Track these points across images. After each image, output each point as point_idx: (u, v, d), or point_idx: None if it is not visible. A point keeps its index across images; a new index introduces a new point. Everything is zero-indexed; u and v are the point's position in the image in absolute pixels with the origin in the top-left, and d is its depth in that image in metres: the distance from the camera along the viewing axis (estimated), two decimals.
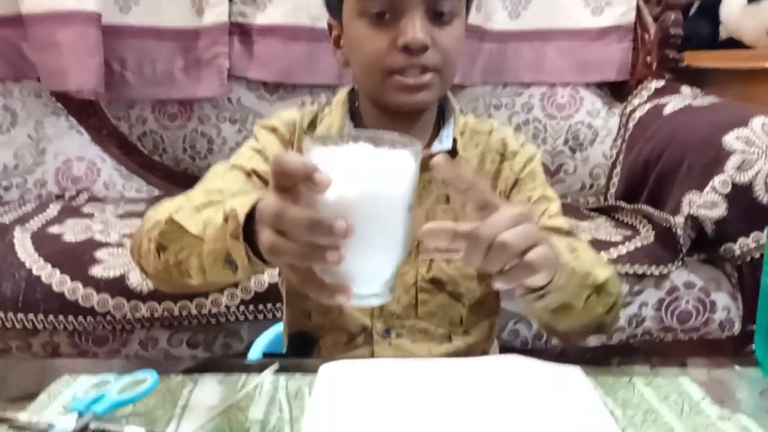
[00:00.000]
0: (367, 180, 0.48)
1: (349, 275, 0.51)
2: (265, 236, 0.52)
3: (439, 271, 0.85)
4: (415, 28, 0.76)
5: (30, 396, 0.63)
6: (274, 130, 0.87)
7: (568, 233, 0.83)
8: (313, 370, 0.67)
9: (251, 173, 0.82)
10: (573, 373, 0.70)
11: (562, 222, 0.84)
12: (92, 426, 0.56)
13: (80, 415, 0.57)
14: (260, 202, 0.54)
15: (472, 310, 0.86)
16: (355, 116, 0.88)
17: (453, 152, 0.85)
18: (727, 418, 0.61)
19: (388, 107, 0.83)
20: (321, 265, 0.51)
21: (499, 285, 0.59)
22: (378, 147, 0.50)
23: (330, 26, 0.88)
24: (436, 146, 0.84)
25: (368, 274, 0.52)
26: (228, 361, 0.75)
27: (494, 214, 0.57)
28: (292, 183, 0.49)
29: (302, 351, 0.89)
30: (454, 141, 0.84)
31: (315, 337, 0.88)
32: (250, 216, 0.57)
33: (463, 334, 0.87)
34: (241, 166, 0.82)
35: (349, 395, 0.61)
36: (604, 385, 0.66)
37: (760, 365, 0.75)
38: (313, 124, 0.88)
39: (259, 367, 0.69)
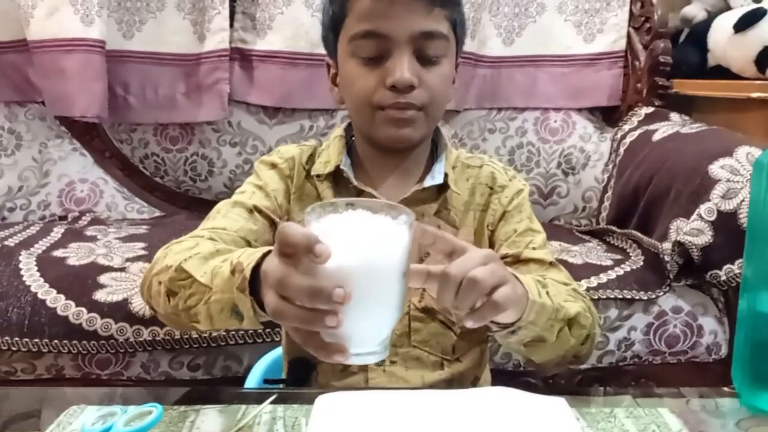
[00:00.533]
0: (366, 250, 0.52)
1: (347, 336, 0.55)
2: (270, 299, 0.56)
3: (431, 300, 0.88)
4: (403, 68, 0.80)
5: (28, 416, 0.66)
6: (274, 165, 0.91)
7: (551, 265, 0.86)
8: (311, 399, 0.70)
9: (253, 210, 0.86)
10: (557, 404, 0.73)
11: (545, 254, 0.87)
12: None
13: None
14: (265, 263, 0.58)
15: (463, 337, 0.89)
16: (351, 152, 0.92)
17: (444, 186, 0.89)
18: None
19: (378, 142, 0.87)
20: (321, 329, 0.54)
21: (470, 324, 0.62)
22: (375, 214, 0.54)
23: (328, 65, 0.92)
24: (428, 181, 0.88)
25: (365, 335, 0.56)
26: (227, 390, 0.79)
27: (463, 255, 0.62)
28: (295, 252, 0.53)
29: (301, 377, 0.92)
30: (446, 176, 0.88)
31: (313, 363, 0.91)
32: (256, 269, 0.61)
33: (455, 361, 0.90)
34: (243, 203, 0.87)
35: (345, 427, 0.65)
36: (587, 416, 0.70)
37: (738, 395, 0.78)
38: (311, 159, 0.92)
39: (257, 397, 0.73)
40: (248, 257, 0.63)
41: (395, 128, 0.84)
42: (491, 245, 0.91)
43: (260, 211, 0.86)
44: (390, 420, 0.66)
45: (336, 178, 0.89)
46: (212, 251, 0.72)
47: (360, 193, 0.88)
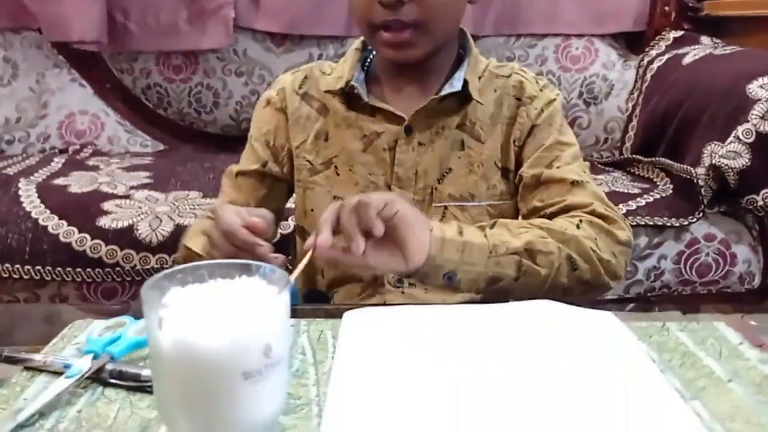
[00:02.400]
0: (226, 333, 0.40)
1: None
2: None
3: (453, 219, 0.82)
4: None
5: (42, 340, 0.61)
6: (268, 102, 0.88)
7: (573, 184, 0.79)
8: (334, 316, 0.64)
9: (237, 175, 0.88)
10: (606, 317, 0.67)
11: (567, 171, 0.80)
12: (109, 367, 0.53)
13: (96, 356, 0.54)
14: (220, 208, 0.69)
15: None
16: (368, 66, 0.86)
17: (467, 97, 0.81)
18: None
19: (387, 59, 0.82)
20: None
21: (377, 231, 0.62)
22: (244, 277, 0.45)
23: None
24: (446, 89, 0.81)
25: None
26: None
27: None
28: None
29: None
30: (465, 83, 0.81)
31: (328, 294, 0.86)
32: None
33: None
34: (245, 171, 0.87)
35: (380, 343, 0.59)
36: (637, 330, 0.64)
37: None
38: (306, 81, 0.87)
39: None
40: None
41: (394, 51, 0.79)
42: (518, 163, 0.83)
43: (242, 173, 0.87)
44: (426, 336, 0.60)
45: (349, 93, 0.83)
46: (201, 228, 0.78)
47: (374, 110, 0.83)
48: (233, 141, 1.88)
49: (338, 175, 0.84)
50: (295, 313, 0.66)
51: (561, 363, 0.56)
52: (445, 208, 0.82)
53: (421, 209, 0.81)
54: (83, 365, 0.53)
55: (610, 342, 0.60)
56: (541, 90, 0.85)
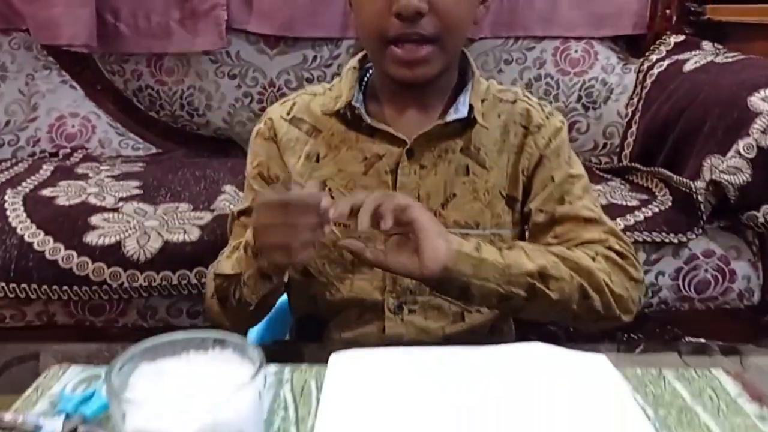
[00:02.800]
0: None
1: None
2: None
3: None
4: None
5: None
6: (258, 134, 0.86)
7: (587, 221, 0.78)
8: (320, 358, 0.62)
9: (239, 216, 0.85)
10: (600, 362, 0.65)
11: (581, 207, 0.79)
12: (81, 429, 0.51)
13: (68, 416, 0.52)
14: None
15: None
16: (366, 84, 0.84)
17: (470, 120, 0.79)
18: None
19: (392, 79, 0.78)
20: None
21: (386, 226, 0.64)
22: (218, 350, 0.43)
23: None
24: (451, 114, 0.79)
25: None
26: None
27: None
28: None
29: (310, 335, 0.85)
30: (471, 108, 0.79)
31: (322, 320, 0.84)
32: None
33: (477, 311, 0.83)
34: (244, 209, 0.85)
35: (364, 389, 0.57)
36: (633, 378, 0.62)
37: None
38: (293, 107, 0.85)
39: (268, 354, 0.65)
40: (250, 232, 0.72)
41: (407, 69, 0.75)
42: (526, 192, 0.82)
43: (243, 212, 0.85)
44: (415, 379, 0.58)
45: (348, 114, 0.80)
46: (228, 253, 0.81)
47: (374, 131, 0.80)
48: (226, 143, 1.86)
49: (332, 198, 0.81)
50: (281, 355, 0.65)
51: (550, 412, 0.54)
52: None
53: None
54: (55, 427, 0.51)
55: (602, 394, 0.58)
56: (547, 118, 0.83)
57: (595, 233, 0.77)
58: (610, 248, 0.76)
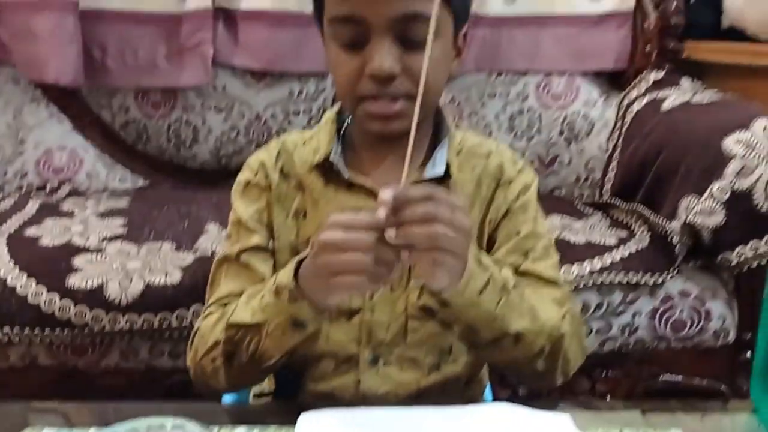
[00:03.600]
0: None
1: None
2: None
3: (429, 299, 0.81)
4: (382, 56, 0.72)
5: None
6: (247, 184, 0.84)
7: (547, 282, 0.80)
8: (292, 417, 0.64)
9: (238, 255, 0.82)
10: (563, 422, 0.67)
11: (545, 268, 0.81)
12: None
13: None
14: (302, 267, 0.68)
15: (462, 338, 0.83)
16: (344, 135, 0.85)
17: (446, 176, 0.81)
18: None
19: (367, 134, 0.80)
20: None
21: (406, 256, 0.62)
22: None
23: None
24: (429, 171, 0.80)
25: None
26: (198, 406, 0.72)
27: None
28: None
29: (288, 385, 0.86)
30: (448, 165, 0.80)
31: (299, 372, 0.85)
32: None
33: (452, 362, 0.84)
34: (247, 247, 0.81)
35: None
36: None
37: (756, 411, 0.72)
38: (280, 155, 0.84)
39: (234, 415, 0.66)
40: (284, 275, 0.69)
41: (381, 123, 0.76)
42: (490, 243, 0.83)
43: (245, 250, 0.82)
44: None
45: (326, 168, 0.81)
46: (244, 300, 0.75)
47: (352, 184, 0.81)
48: (212, 175, 1.88)
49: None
50: (251, 414, 0.66)
51: None
52: (423, 286, 0.80)
53: (400, 286, 0.81)
54: None
55: None
56: (518, 173, 0.85)
57: (552, 296, 0.79)
58: (570, 311, 0.78)
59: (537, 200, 0.85)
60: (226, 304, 0.79)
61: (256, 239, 0.82)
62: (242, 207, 0.84)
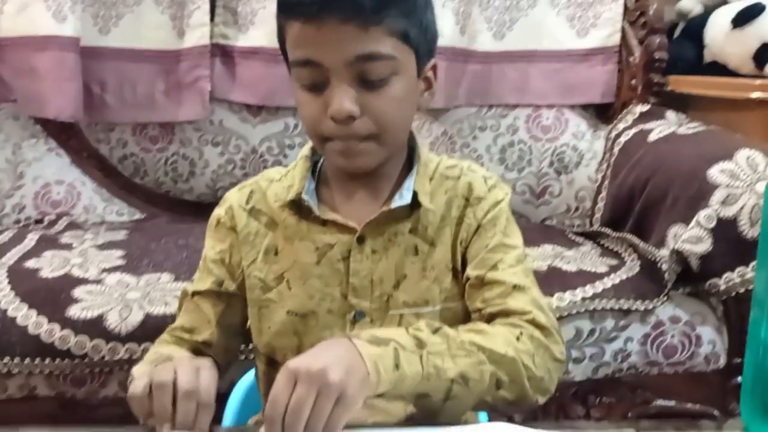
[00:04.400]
0: None
1: None
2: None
3: (408, 326, 0.82)
4: (340, 99, 0.73)
5: None
6: (218, 221, 0.87)
7: (515, 288, 0.79)
8: None
9: (192, 296, 0.87)
10: None
11: (511, 275, 0.80)
12: None
13: None
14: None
15: None
16: (320, 170, 0.87)
17: (414, 204, 0.82)
18: None
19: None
20: None
21: None
22: None
23: None
24: (396, 201, 0.81)
25: None
26: None
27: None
28: None
29: None
30: (415, 194, 0.81)
31: None
32: None
33: None
34: (200, 291, 0.86)
35: None
36: None
37: (746, 429, 0.74)
38: (252, 195, 0.86)
39: None
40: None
41: (345, 159, 0.78)
42: (464, 263, 0.84)
43: (199, 293, 0.86)
44: None
45: (300, 204, 0.83)
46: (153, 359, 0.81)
47: (325, 220, 0.82)
48: (209, 208, 1.88)
49: (290, 289, 0.83)
50: None
51: None
52: (401, 316, 0.82)
53: (378, 317, 0.81)
54: None
55: None
56: (489, 190, 0.85)
57: (520, 303, 0.78)
58: (534, 321, 0.77)
59: (509, 214, 0.85)
60: (177, 336, 0.86)
61: (210, 283, 0.86)
62: (209, 244, 0.88)
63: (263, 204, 0.85)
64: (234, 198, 0.87)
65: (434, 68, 0.84)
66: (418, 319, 0.81)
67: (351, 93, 0.74)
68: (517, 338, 0.74)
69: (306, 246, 0.82)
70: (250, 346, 0.90)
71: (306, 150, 0.87)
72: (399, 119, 0.79)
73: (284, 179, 0.86)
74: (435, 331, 0.71)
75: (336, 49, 0.72)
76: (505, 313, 0.78)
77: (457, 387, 0.69)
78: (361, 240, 0.81)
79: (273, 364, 0.85)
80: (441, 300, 0.83)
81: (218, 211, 0.88)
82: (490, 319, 0.79)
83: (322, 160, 0.87)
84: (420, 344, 0.69)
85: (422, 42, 0.79)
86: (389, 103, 0.76)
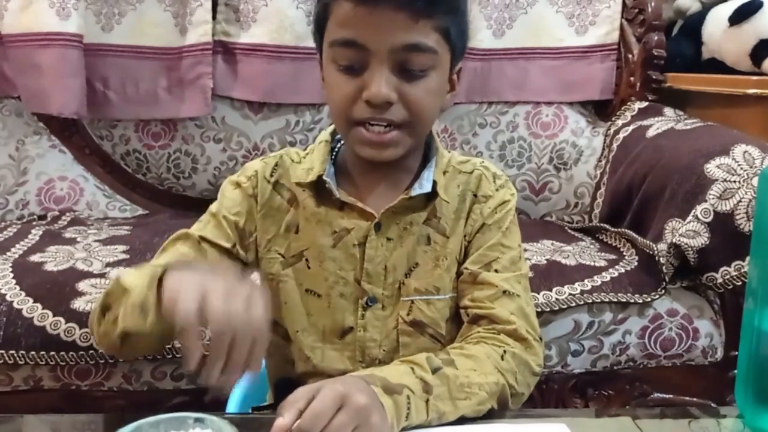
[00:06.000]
0: None
1: None
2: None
3: (419, 313, 0.84)
4: (380, 83, 0.75)
5: None
6: (238, 185, 0.86)
7: (504, 293, 0.81)
8: None
9: (200, 241, 0.84)
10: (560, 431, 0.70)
11: (503, 279, 0.82)
12: None
13: None
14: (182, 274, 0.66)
15: None
16: (336, 156, 0.88)
17: (433, 194, 0.84)
18: None
19: (359, 157, 0.83)
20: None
21: None
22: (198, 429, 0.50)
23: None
24: (416, 189, 0.83)
25: None
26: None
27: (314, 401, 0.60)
28: None
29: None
30: (434, 183, 0.84)
31: (299, 383, 0.87)
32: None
33: None
34: (190, 235, 0.84)
35: None
36: None
37: (742, 416, 0.75)
38: (276, 169, 0.87)
39: (240, 426, 0.69)
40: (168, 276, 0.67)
41: (373, 150, 0.80)
42: (465, 256, 0.86)
43: (208, 241, 0.83)
44: None
45: (319, 187, 0.84)
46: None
47: (343, 204, 0.84)
48: (211, 204, 1.91)
49: (309, 268, 0.84)
50: (259, 426, 0.69)
51: None
52: (412, 302, 0.84)
53: (390, 304, 0.84)
54: None
55: None
56: (497, 189, 0.88)
57: (506, 310, 0.81)
58: (516, 334, 0.79)
59: (514, 217, 0.88)
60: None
61: (224, 242, 0.84)
62: (223, 203, 0.86)
63: (286, 179, 0.86)
64: (258, 167, 0.87)
65: (459, 71, 0.86)
66: (429, 306, 0.83)
67: (392, 79, 0.76)
68: (502, 357, 0.77)
69: (323, 229, 0.84)
70: None
71: (325, 135, 0.88)
72: (430, 111, 0.81)
73: (303, 162, 0.87)
74: (435, 371, 0.72)
75: (385, 35, 0.74)
76: (490, 320, 0.81)
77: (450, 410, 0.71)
78: (378, 227, 0.83)
79: (285, 337, 0.86)
80: (451, 289, 0.85)
81: (240, 177, 0.86)
82: (475, 320, 0.82)
83: (338, 147, 0.88)
84: (426, 389, 0.70)
85: (459, 42, 0.81)
86: (425, 94, 0.78)
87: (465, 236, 0.86)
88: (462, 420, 0.71)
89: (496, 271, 0.83)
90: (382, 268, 0.83)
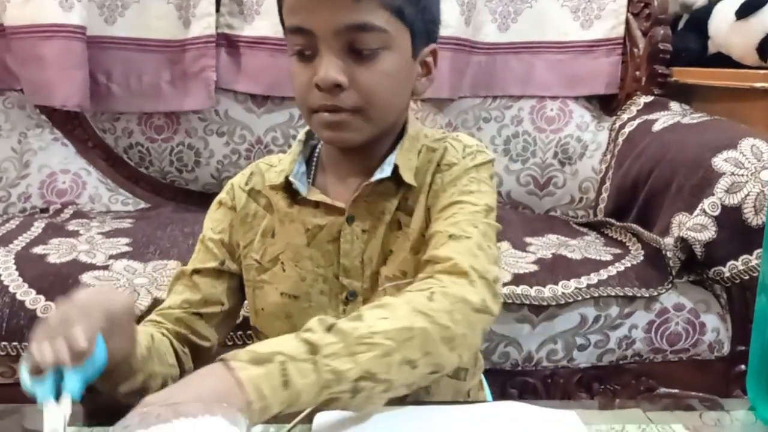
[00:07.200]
0: None
1: None
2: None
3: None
4: (327, 67, 0.73)
5: None
6: (220, 203, 0.88)
7: (450, 237, 0.74)
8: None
9: (192, 274, 0.86)
10: (569, 418, 0.70)
11: (452, 225, 0.76)
12: None
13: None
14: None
15: None
16: (319, 154, 0.87)
17: (396, 179, 0.80)
18: None
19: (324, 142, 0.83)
20: None
21: None
22: (207, 416, 0.49)
23: None
24: (377, 174, 0.80)
25: None
26: None
27: None
28: None
29: None
30: (396, 167, 0.80)
31: None
32: None
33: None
34: (200, 269, 0.86)
35: None
36: None
37: (753, 408, 0.75)
38: (252, 177, 0.87)
39: None
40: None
41: (330, 131, 0.77)
42: (428, 225, 0.81)
43: (199, 271, 0.86)
44: None
45: (289, 187, 0.83)
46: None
47: (318, 201, 0.82)
48: (214, 197, 1.89)
49: (284, 271, 0.83)
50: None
51: None
52: (384, 290, 0.80)
53: (369, 297, 0.80)
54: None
55: None
56: (464, 157, 0.82)
57: (447, 251, 0.73)
58: (453, 269, 0.71)
59: (482, 176, 0.81)
60: (159, 321, 0.84)
61: (213, 262, 0.86)
62: (209, 226, 0.88)
63: (261, 185, 0.86)
64: (236, 180, 0.89)
65: (434, 54, 0.83)
66: (398, 291, 0.74)
67: (337, 62, 0.73)
68: (429, 298, 0.67)
69: (297, 228, 0.83)
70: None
71: (301, 135, 0.87)
72: (387, 95, 0.77)
73: (279, 165, 0.86)
74: (329, 328, 0.63)
75: (327, 18, 0.72)
76: (430, 262, 0.74)
77: (363, 383, 0.62)
78: (350, 220, 0.81)
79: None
80: (419, 269, 0.78)
81: (221, 195, 0.89)
82: (418, 271, 0.76)
83: (320, 144, 0.87)
84: (313, 349, 0.61)
85: (418, 21, 0.78)
86: (377, 76, 0.75)
87: (427, 209, 0.81)
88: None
89: (445, 219, 0.77)
90: (359, 261, 0.81)
